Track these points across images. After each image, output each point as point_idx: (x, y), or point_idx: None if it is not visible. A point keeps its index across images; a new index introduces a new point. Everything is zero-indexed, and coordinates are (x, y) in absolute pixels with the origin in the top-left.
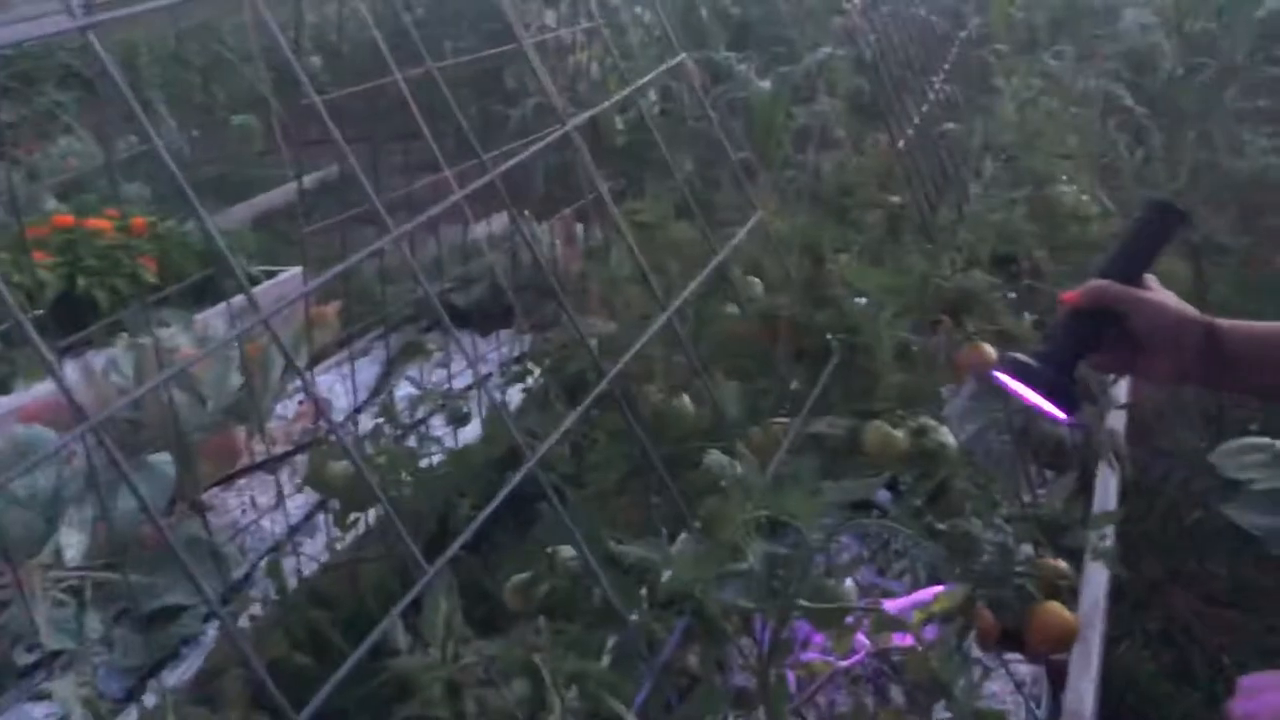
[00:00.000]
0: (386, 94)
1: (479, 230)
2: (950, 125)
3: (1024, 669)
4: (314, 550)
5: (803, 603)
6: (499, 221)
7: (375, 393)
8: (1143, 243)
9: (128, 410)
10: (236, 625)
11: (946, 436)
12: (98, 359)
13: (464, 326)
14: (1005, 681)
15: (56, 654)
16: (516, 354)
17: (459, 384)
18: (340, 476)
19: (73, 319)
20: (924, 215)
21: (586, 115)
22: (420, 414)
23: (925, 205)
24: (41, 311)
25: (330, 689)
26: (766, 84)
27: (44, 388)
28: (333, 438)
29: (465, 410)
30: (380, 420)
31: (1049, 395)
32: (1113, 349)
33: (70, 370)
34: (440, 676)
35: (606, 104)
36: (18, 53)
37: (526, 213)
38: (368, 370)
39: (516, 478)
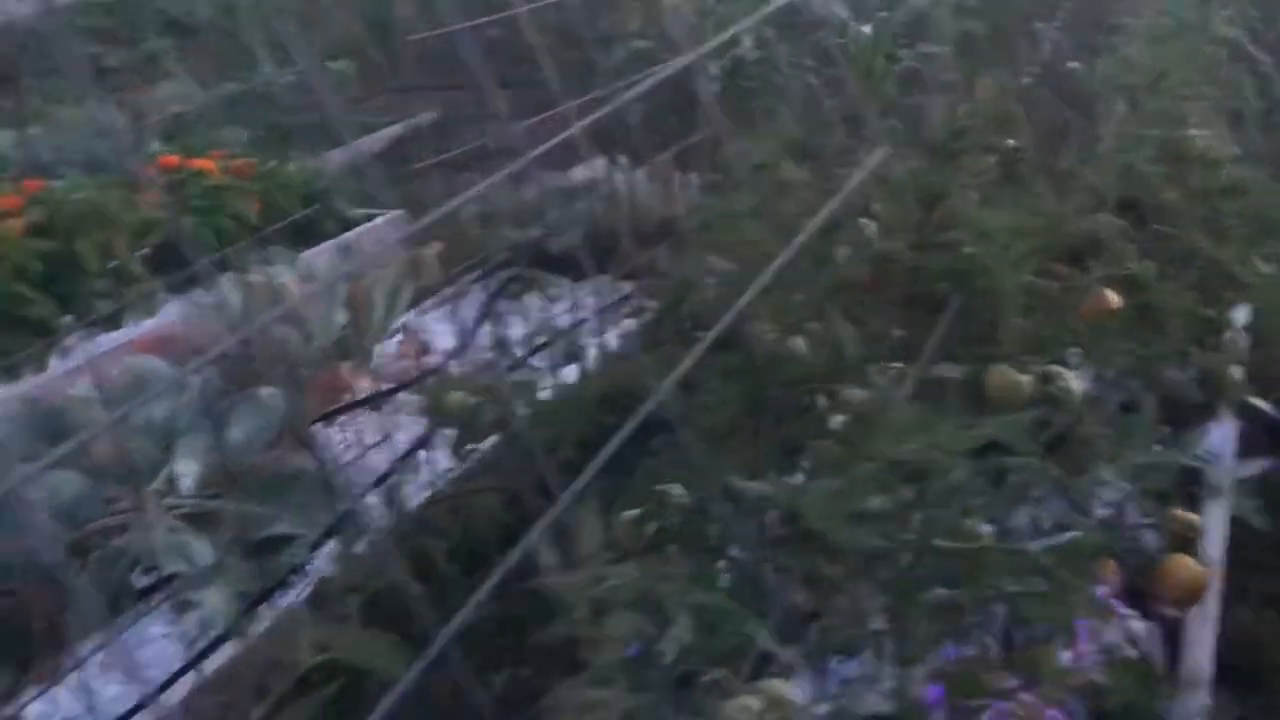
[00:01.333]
0: (482, 39)
1: (577, 175)
2: (1073, 65)
3: (1139, 626)
4: (415, 486)
5: (939, 542)
6: (597, 166)
7: (474, 333)
8: None
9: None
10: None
11: (1073, 382)
12: (205, 296)
13: (558, 272)
14: (1120, 638)
15: (170, 577)
16: (614, 299)
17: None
18: (458, 406)
19: (179, 257)
20: (1045, 158)
21: (708, 47)
22: (526, 351)
23: (1045, 148)
24: (149, 250)
25: (460, 607)
26: (867, 29)
27: (152, 322)
28: (432, 375)
29: (579, 348)
30: (494, 354)
31: None
32: None
33: (176, 307)
34: (590, 596)
35: (724, 37)
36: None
37: (623, 158)
38: (466, 312)
39: (646, 407)
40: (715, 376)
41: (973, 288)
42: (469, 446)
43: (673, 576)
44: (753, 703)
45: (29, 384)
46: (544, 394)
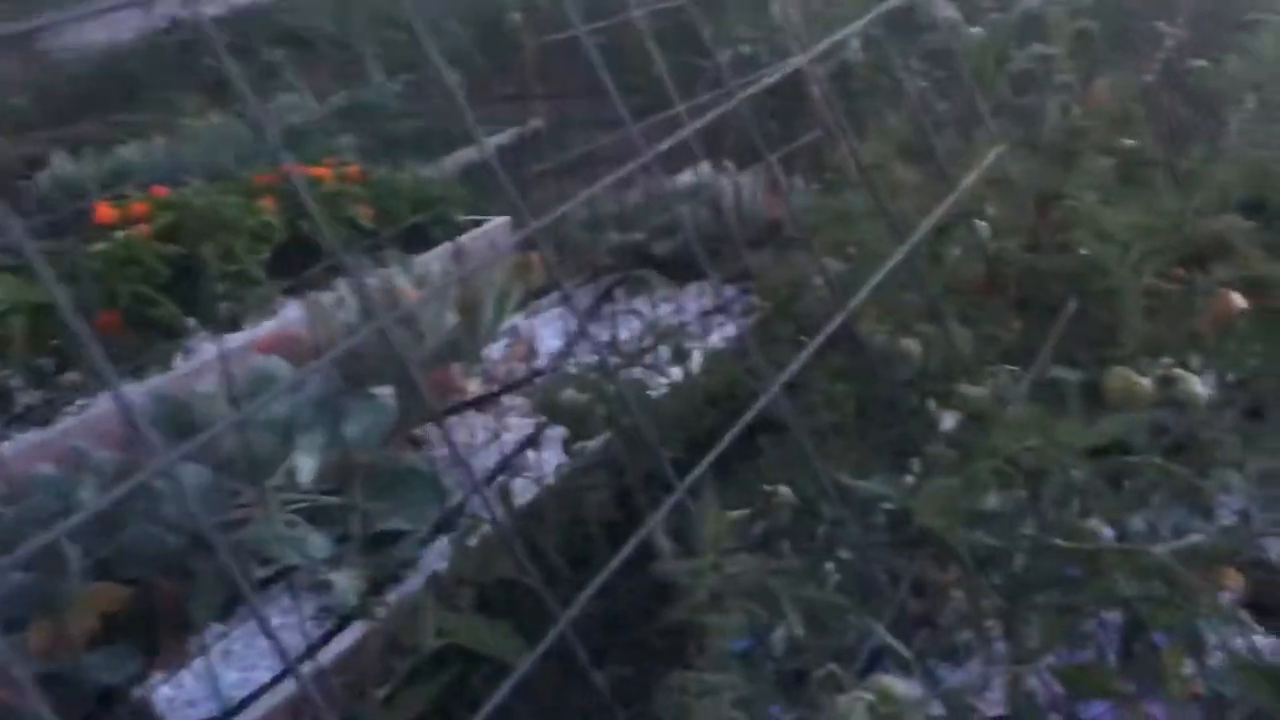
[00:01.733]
0: (583, 47)
1: (683, 179)
2: (1200, 63)
3: (1262, 640)
4: (521, 485)
5: (1058, 542)
6: (703, 169)
7: (580, 335)
8: None
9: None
10: (465, 546)
11: (1196, 386)
12: (323, 297)
13: (664, 275)
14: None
15: (288, 569)
16: (719, 302)
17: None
18: (570, 404)
19: (294, 260)
20: (1169, 157)
21: (817, 51)
22: (634, 352)
23: (1167, 148)
24: (267, 254)
25: (568, 600)
26: (977, 30)
27: (272, 323)
28: (538, 379)
29: (686, 349)
30: (602, 355)
31: None
32: None
33: (293, 308)
34: (708, 584)
35: (832, 40)
36: (235, 14)
37: (727, 163)
38: (568, 317)
39: (756, 407)
40: (825, 376)
41: (1090, 289)
42: (579, 444)
43: (785, 571)
44: (865, 698)
45: (156, 382)
46: (653, 393)
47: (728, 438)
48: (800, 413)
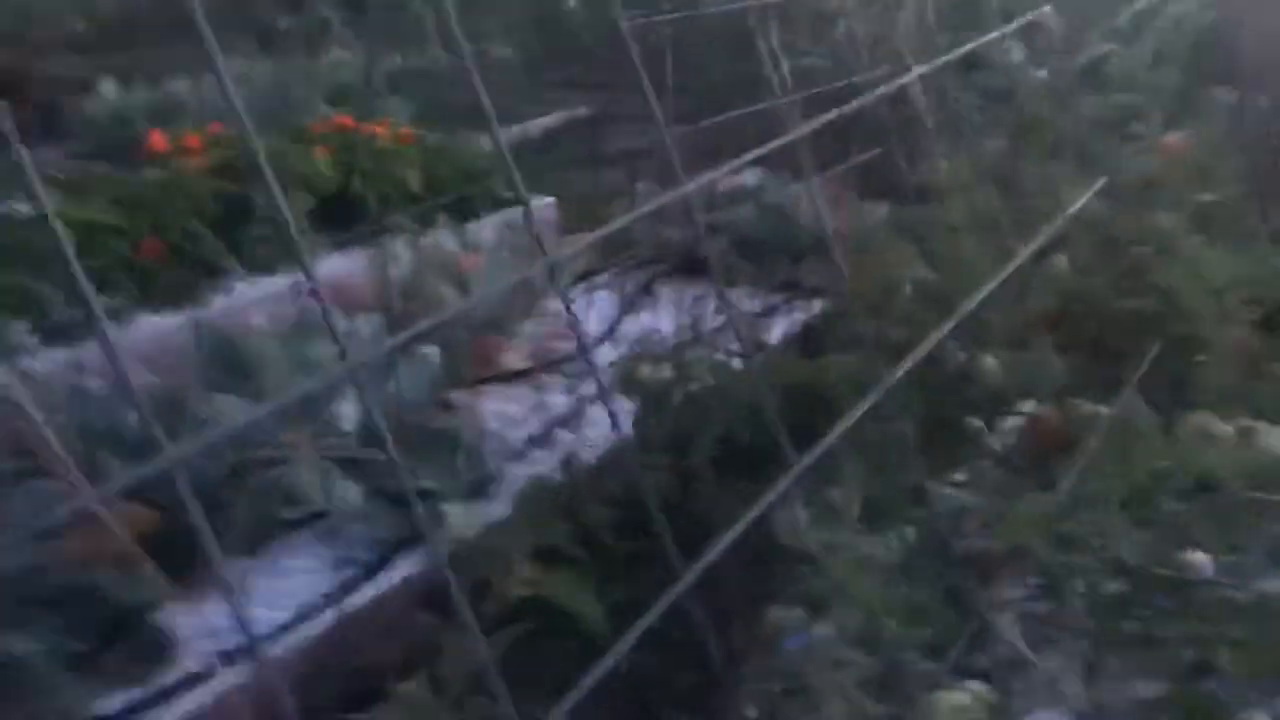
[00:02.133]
0: (645, 43)
1: (731, 181)
2: None
3: None
4: (550, 464)
5: (1159, 570)
6: (754, 174)
7: (620, 319)
8: None
9: (400, 302)
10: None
11: (1276, 440)
12: (374, 252)
13: (705, 275)
14: None
15: (317, 514)
16: (765, 305)
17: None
18: (650, 380)
19: (339, 214)
20: (1259, 213)
21: (926, 68)
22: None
23: (1259, 204)
24: (314, 204)
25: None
26: (1042, 73)
27: (323, 271)
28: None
29: (761, 340)
30: (682, 337)
31: None
32: None
33: (336, 259)
34: (847, 558)
35: (947, 58)
36: None
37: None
38: (607, 303)
39: (867, 402)
40: (904, 383)
41: (1171, 333)
42: (653, 418)
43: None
44: (964, 700)
45: (196, 314)
46: (727, 379)
47: (829, 438)
48: (878, 417)
